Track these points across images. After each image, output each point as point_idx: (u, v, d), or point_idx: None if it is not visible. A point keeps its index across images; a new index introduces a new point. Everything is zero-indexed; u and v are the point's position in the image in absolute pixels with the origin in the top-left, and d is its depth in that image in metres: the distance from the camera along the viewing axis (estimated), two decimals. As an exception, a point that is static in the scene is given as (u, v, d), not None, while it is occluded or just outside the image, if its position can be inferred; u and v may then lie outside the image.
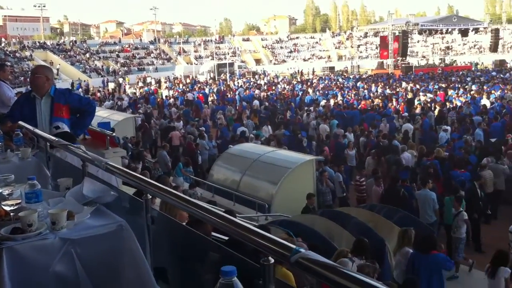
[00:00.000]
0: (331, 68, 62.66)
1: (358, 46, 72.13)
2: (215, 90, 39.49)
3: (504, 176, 13.76)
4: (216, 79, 52.36)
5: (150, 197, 2.84)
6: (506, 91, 30.78)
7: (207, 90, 39.58)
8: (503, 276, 7.75)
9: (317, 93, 35.09)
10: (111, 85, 49.72)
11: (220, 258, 2.49)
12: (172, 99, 34.61)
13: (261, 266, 1.99)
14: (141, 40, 79.86)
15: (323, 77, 51.56)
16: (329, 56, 79.17)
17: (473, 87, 34.04)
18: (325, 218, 10.01)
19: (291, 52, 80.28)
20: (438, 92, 32.16)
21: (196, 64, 63.90)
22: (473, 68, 55.59)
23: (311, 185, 13.30)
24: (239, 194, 13.06)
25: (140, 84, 49.89)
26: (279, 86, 42.72)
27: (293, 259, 1.85)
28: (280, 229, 8.61)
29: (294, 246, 1.92)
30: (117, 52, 68.88)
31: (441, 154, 15.37)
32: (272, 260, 1.98)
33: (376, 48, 69.51)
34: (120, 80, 54.00)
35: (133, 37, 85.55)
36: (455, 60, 64.29)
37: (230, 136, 20.04)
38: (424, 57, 70.63)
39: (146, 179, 2.91)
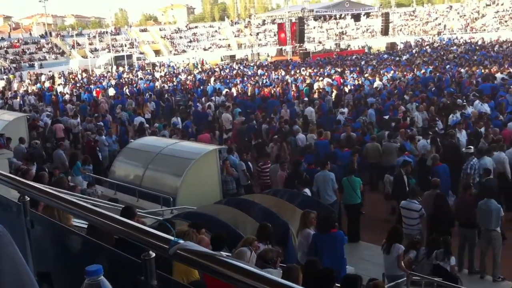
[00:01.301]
0: (232, 57, 62.97)
1: (257, 34, 73.00)
2: (113, 83, 38.37)
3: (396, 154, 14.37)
4: (114, 72, 50.88)
5: (28, 199, 2.68)
6: (397, 72, 32.45)
7: (104, 84, 38.38)
8: (397, 252, 8.19)
9: (218, 82, 35.11)
10: (1, 84, 46.80)
11: (104, 257, 2.40)
12: (67, 95, 33.16)
13: (142, 261, 1.94)
14: (31, 34, 75.75)
15: (224, 66, 51.67)
16: (229, 44, 79.43)
17: (368, 70, 35.60)
18: (230, 207, 10.06)
19: (191, 42, 79.67)
20: (334, 76, 33.29)
21: (92, 58, 61.70)
22: (366, 51, 58.02)
23: (215, 175, 13.32)
24: (143, 189, 12.78)
25: (28, 81, 47.42)
26: (180, 76, 42.27)
27: (172, 251, 1.83)
28: (185, 221, 8.54)
29: (172, 238, 1.88)
30: (5, 48, 64.93)
31: (328, 136, 16.02)
32: (153, 254, 1.94)
33: (275, 35, 70.69)
34: (10, 77, 50.97)
35: (22, 32, 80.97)
36: (349, 45, 66.81)
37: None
38: (320, 42, 72.80)
39: (22, 180, 2.74)
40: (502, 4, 78.82)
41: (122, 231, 2.05)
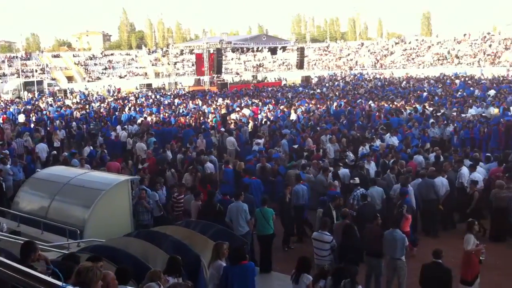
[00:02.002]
0: (149, 85, 62.29)
1: (175, 63, 72.80)
2: (22, 109, 36.72)
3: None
4: (23, 98, 48.80)
5: None
6: (311, 105, 33.44)
7: (12, 109, 36.67)
8: (305, 283, 8.29)
9: (133, 110, 34.51)
10: None
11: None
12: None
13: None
14: None
15: (140, 95, 51.00)
16: (146, 73, 78.71)
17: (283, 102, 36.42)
18: (140, 239, 9.79)
19: (106, 69, 78.19)
20: (251, 107, 33.78)
21: (0, 83, 58.92)
22: (282, 84, 59.44)
23: (127, 206, 12.98)
24: (48, 221, 12.18)
25: None
26: (93, 104, 41.19)
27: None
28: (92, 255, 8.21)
29: (60, 283, 1.80)
30: None
31: (241, 167, 16.16)
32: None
33: (193, 65, 70.88)
34: None
35: None
36: (266, 77, 68.23)
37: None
38: (238, 73, 73.82)
39: None
40: (409, 43, 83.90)
41: (12, 278, 1.92)
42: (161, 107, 36.65)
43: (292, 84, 58.21)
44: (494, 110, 25.92)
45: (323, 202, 13.21)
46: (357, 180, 13.93)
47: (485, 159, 16.30)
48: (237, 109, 33.08)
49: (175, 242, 9.40)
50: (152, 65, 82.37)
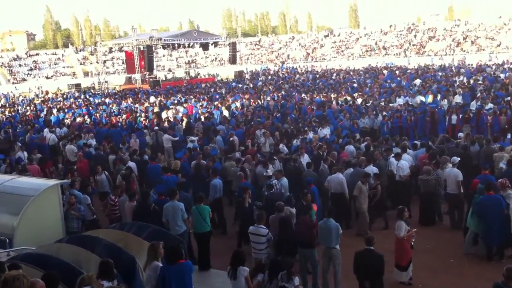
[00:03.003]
0: (77, 85, 60.43)
1: (104, 61, 71.06)
2: None
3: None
4: None
5: None
6: (245, 100, 33.55)
7: None
8: (242, 275, 8.31)
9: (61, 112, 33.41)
10: None
11: None
12: None
13: None
14: None
15: (69, 95, 49.45)
16: (74, 72, 76.36)
17: (217, 98, 36.32)
18: (72, 244, 9.49)
19: (31, 69, 75.26)
20: (186, 105, 33.49)
21: None
22: (215, 80, 59.27)
23: (58, 211, 12.53)
24: (-28, 232, 11.59)
25: None
26: (19, 107, 39.56)
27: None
28: (23, 264, 7.91)
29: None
30: None
31: (177, 166, 16.01)
32: None
33: (123, 63, 69.41)
34: None
35: None
36: (199, 73, 67.84)
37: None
38: (170, 70, 72.97)
39: None
40: (338, 35, 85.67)
41: None
42: (90, 108, 35.69)
43: (226, 80, 58.14)
44: (421, 99, 26.89)
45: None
46: (269, 172, 14.20)
47: (412, 146, 16.86)
48: (171, 106, 32.70)
49: (109, 246, 9.17)
50: (80, 64, 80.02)
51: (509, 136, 18.87)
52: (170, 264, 8.19)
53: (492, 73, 37.16)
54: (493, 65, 44.19)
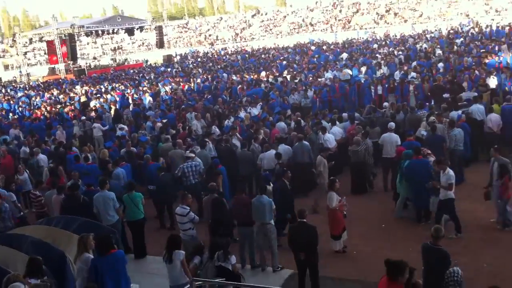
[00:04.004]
0: (-3, 79, 57.65)
1: (25, 53, 67.92)
2: None
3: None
4: None
5: None
6: (174, 84, 33.04)
7: None
8: (178, 259, 8.21)
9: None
10: None
11: None
12: None
13: None
14: None
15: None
16: (-6, 66, 72.78)
17: (145, 83, 35.59)
18: (-3, 244, 9.06)
19: None
20: (113, 92, 32.63)
21: None
22: (144, 65, 58.06)
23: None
24: None
25: None
26: None
27: None
28: None
29: None
30: None
31: (106, 154, 15.63)
32: None
33: (45, 53, 66.65)
34: None
35: None
36: (126, 59, 66.23)
37: None
38: (95, 58, 70.80)
39: None
40: (266, 14, 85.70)
41: None
42: (12, 102, 34.15)
43: (155, 64, 57.07)
44: (348, 72, 27.35)
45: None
46: (191, 154, 14.16)
47: (338, 119, 17.14)
48: (98, 95, 31.77)
49: (36, 242, 8.82)
50: (0, 57, 76.21)
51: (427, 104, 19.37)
52: (102, 255, 7.97)
53: (414, 43, 38.31)
54: (415, 35, 45.54)
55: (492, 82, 20.45)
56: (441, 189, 10.94)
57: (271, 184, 11.88)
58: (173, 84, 33.10)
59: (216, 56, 54.75)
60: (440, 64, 25.80)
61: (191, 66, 46.60)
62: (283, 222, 11.25)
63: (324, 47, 45.40)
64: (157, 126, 19.70)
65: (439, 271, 7.27)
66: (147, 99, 27.57)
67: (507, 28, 38.73)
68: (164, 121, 20.37)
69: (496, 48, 28.78)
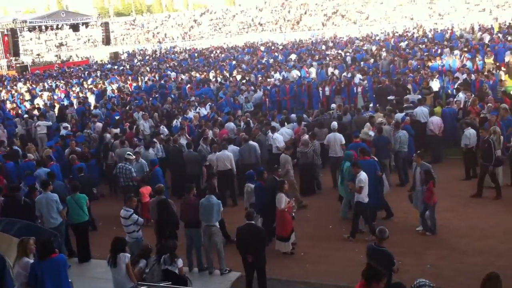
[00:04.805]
0: None
1: (-36, 49, 65.09)
2: None
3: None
4: None
5: None
6: (121, 82, 32.42)
7: None
8: (123, 262, 8.02)
9: None
10: None
11: None
12: None
13: None
14: None
15: None
16: None
17: (89, 81, 34.77)
18: None
19: None
20: (57, 90, 31.74)
21: None
22: (89, 62, 56.70)
23: None
24: None
25: None
26: None
27: None
28: None
29: None
30: None
31: (48, 153, 15.25)
32: None
33: (-15, 49, 64.05)
34: None
35: None
36: (71, 56, 64.53)
37: None
38: (39, 54, 68.60)
39: None
40: (215, 13, 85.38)
41: None
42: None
43: (101, 62, 55.82)
44: (296, 73, 27.56)
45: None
46: (130, 156, 14.09)
47: (286, 120, 17.24)
48: (40, 93, 30.80)
49: (-26, 246, 8.42)
50: None
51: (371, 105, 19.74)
52: (42, 260, 7.70)
53: (361, 45, 39.02)
54: (361, 37, 46.39)
55: (435, 85, 21.12)
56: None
57: (252, 184, 11.82)
58: (120, 82, 32.45)
59: (164, 54, 54.07)
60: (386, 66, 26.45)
61: (138, 64, 45.83)
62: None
63: (273, 47, 45.62)
64: (97, 126, 19.27)
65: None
66: (93, 97, 26.94)
67: (449, 31, 40.02)
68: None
69: (439, 52, 29.68)
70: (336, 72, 26.49)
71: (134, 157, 14.09)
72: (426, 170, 11.11)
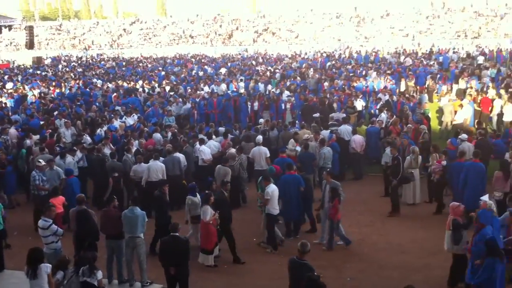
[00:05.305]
0: None
1: None
2: None
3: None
4: None
5: None
6: (43, 88, 31.27)
7: None
8: (45, 272, 7.74)
9: None
10: None
11: None
12: None
13: None
14: None
15: None
16: None
17: (9, 86, 33.31)
18: None
19: None
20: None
21: None
22: (10, 66, 54.27)
23: None
24: None
25: None
26: None
27: None
28: None
29: None
30: None
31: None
32: None
33: None
34: None
35: None
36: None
37: None
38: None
39: None
40: (145, 22, 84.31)
41: None
42: None
43: (23, 66, 53.58)
44: (225, 87, 27.66)
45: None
46: (42, 162, 13.52)
47: (214, 133, 17.21)
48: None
49: None
50: None
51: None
52: None
53: (289, 63, 39.80)
54: (291, 55, 47.33)
55: (359, 104, 21.86)
56: None
57: (198, 195, 11.62)
58: (42, 88, 31.26)
59: (90, 62, 52.71)
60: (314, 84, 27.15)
61: (63, 70, 44.38)
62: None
63: (204, 61, 45.64)
64: (11, 132, 18.43)
65: (304, 285, 7.51)
66: (13, 102, 25.79)
67: (373, 54, 41.65)
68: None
69: (364, 73, 30.78)
70: (264, 87, 26.86)
71: (44, 163, 13.43)
72: (332, 188, 11.51)
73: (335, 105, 21.48)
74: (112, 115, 20.70)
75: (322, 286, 6.05)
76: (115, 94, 26.84)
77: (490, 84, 24.44)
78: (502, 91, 22.13)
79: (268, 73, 32.68)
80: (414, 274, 9.93)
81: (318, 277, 6.68)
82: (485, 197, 9.53)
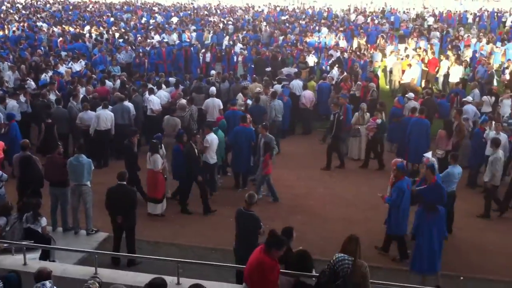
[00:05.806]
0: None
1: None
2: None
3: None
4: None
5: None
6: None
7: None
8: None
9: None
10: None
11: None
12: None
13: None
14: None
15: None
16: None
17: None
18: None
19: None
20: None
21: None
22: None
23: None
24: None
25: None
26: None
27: None
28: None
29: None
30: None
31: None
32: None
33: None
34: None
35: None
36: None
37: None
38: None
39: None
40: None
41: None
42: None
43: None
44: (177, 36, 27.09)
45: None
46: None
47: (164, 83, 16.87)
48: None
49: None
50: None
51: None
52: None
53: (242, 15, 39.27)
54: (244, 8, 46.64)
55: (311, 60, 21.91)
56: None
57: (162, 147, 11.36)
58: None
59: (35, 4, 50.27)
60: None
61: (6, 12, 42.19)
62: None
63: (155, 9, 44.37)
64: None
65: (250, 234, 7.68)
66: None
67: (326, 10, 41.59)
68: None
69: (317, 29, 30.76)
70: (216, 39, 26.47)
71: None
72: (265, 142, 11.61)
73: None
74: (58, 60, 19.97)
75: (283, 241, 6.13)
76: (61, 38, 25.83)
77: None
78: (449, 53, 22.67)
79: (221, 25, 32.16)
80: (355, 226, 10.24)
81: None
82: (428, 154, 9.84)
